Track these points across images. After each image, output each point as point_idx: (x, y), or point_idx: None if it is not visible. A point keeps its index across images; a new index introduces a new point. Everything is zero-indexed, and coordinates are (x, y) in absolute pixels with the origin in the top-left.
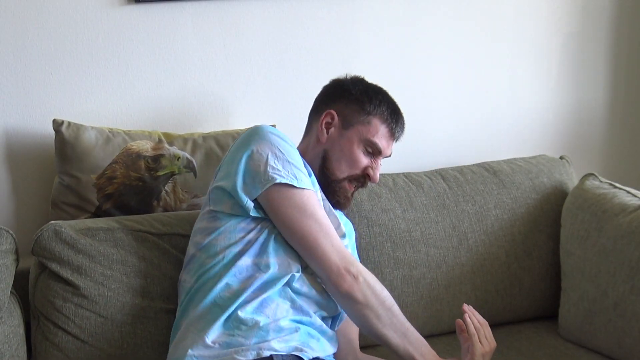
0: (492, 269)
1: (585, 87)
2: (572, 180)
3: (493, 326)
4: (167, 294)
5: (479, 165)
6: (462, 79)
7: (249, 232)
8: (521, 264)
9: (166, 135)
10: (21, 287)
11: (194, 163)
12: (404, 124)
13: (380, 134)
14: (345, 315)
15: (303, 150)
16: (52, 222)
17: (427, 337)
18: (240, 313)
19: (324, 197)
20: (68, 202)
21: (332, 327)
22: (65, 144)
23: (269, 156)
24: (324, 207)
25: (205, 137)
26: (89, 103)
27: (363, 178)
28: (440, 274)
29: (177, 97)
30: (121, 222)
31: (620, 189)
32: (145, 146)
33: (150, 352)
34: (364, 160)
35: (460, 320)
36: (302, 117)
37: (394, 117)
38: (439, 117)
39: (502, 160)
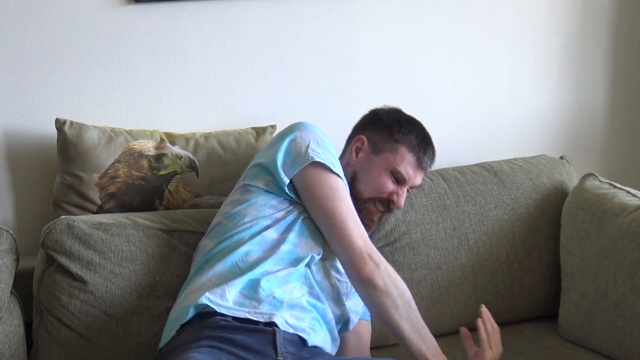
0: (493, 269)
1: (585, 87)
2: (572, 181)
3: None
4: (174, 292)
5: (479, 165)
6: (462, 79)
7: (279, 211)
8: (522, 264)
9: (168, 134)
10: (21, 287)
11: (196, 162)
12: (433, 154)
13: (406, 162)
14: (352, 325)
15: None
16: (64, 216)
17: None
18: (263, 281)
19: None
20: (70, 202)
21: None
22: (68, 143)
23: (311, 141)
24: None
25: (207, 136)
26: (89, 103)
27: (388, 203)
28: (441, 275)
29: (177, 96)
30: (132, 218)
31: (620, 189)
32: (147, 145)
33: (153, 352)
34: (390, 186)
35: (465, 328)
36: (302, 117)
37: (422, 146)
38: (439, 117)
39: (503, 161)
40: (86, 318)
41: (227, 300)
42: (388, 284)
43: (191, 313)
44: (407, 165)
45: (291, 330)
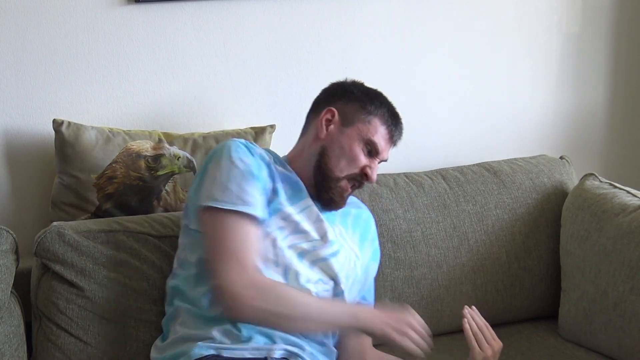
0: (493, 269)
1: (585, 87)
2: (572, 181)
3: (493, 326)
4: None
5: (479, 165)
6: (462, 79)
7: None
8: (521, 264)
9: (166, 135)
10: (21, 287)
11: (194, 163)
12: (402, 129)
13: (379, 134)
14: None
15: (298, 151)
16: (55, 223)
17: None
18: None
19: (311, 204)
20: (68, 202)
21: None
22: (65, 143)
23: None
24: (311, 214)
25: (206, 136)
26: (89, 103)
27: (360, 177)
28: (441, 274)
29: (177, 97)
30: (122, 223)
31: (620, 189)
32: (145, 146)
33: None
34: (363, 159)
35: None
36: (302, 117)
37: (393, 120)
38: (439, 117)
39: (503, 160)
40: (84, 323)
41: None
42: (257, 313)
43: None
44: (380, 137)
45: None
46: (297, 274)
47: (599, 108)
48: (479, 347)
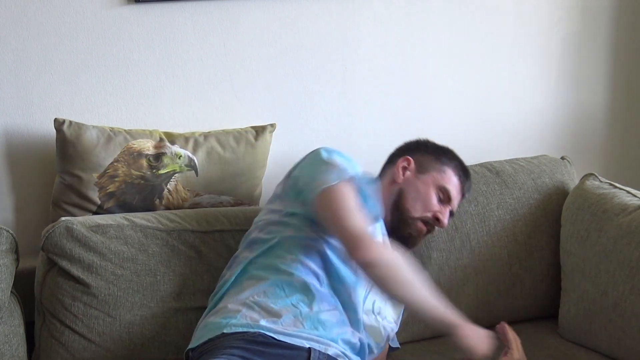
0: (494, 269)
1: (585, 87)
2: (573, 181)
3: (494, 326)
4: (177, 292)
5: (481, 165)
6: (462, 79)
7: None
8: (523, 265)
9: (167, 134)
10: (21, 287)
11: (196, 161)
12: (471, 185)
13: (452, 183)
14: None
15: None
16: (63, 218)
17: (429, 339)
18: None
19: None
20: (69, 202)
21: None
22: (67, 143)
23: None
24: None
25: (207, 135)
26: (89, 103)
27: (432, 222)
28: (443, 276)
29: (177, 96)
30: (129, 219)
31: (620, 189)
32: (146, 144)
33: (156, 353)
34: (436, 205)
35: (504, 323)
36: (301, 117)
37: (464, 173)
38: (440, 117)
39: (505, 161)
40: (89, 320)
41: (281, 327)
42: (383, 257)
43: (240, 329)
44: (452, 186)
45: (325, 351)
46: (373, 311)
47: (599, 108)
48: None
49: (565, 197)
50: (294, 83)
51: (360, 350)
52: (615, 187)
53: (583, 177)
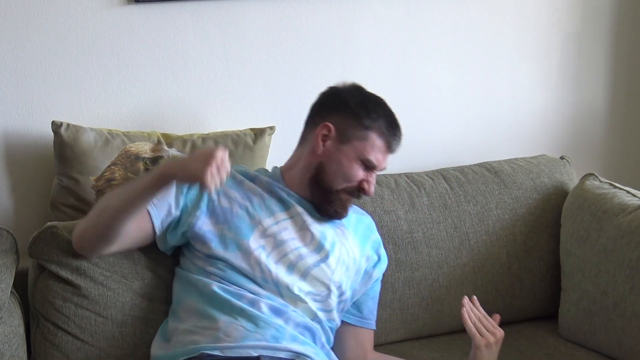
0: (493, 269)
1: (585, 87)
2: (572, 181)
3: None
4: (165, 294)
5: (480, 165)
6: (462, 79)
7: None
8: (522, 264)
9: (165, 136)
10: (21, 287)
11: None
12: (400, 136)
13: (376, 148)
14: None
15: (294, 160)
16: (49, 224)
17: (428, 337)
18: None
19: (297, 213)
20: (67, 204)
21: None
22: (64, 145)
23: None
24: (295, 223)
25: (205, 138)
26: (89, 104)
27: (357, 191)
28: (442, 275)
29: (176, 97)
30: None
31: (620, 189)
32: (144, 148)
33: (149, 352)
34: (360, 174)
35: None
36: (301, 118)
37: (391, 130)
38: (440, 117)
39: (504, 160)
40: (81, 321)
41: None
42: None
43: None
44: (377, 151)
45: (275, 355)
46: (288, 287)
47: (599, 108)
48: (480, 334)
49: (564, 197)
50: (294, 84)
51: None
52: (615, 187)
53: (583, 177)
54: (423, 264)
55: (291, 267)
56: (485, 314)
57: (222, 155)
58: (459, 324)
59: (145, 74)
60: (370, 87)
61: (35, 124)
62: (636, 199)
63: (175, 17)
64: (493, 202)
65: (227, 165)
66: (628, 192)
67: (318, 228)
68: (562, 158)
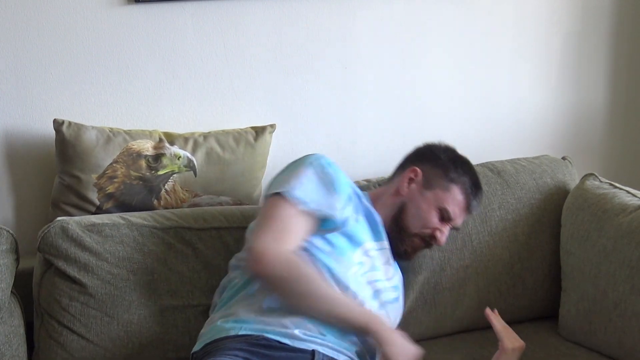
0: (496, 270)
1: (585, 87)
2: (574, 181)
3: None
4: (174, 290)
5: (482, 165)
6: (462, 79)
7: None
8: (524, 264)
9: (167, 134)
10: (21, 287)
11: (195, 162)
12: (481, 198)
13: (456, 201)
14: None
15: (378, 195)
16: (59, 218)
17: (429, 339)
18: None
19: (387, 247)
20: (68, 202)
21: None
22: (66, 143)
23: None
24: (384, 255)
25: (206, 136)
26: (90, 102)
27: (429, 239)
28: (444, 277)
29: (177, 96)
30: (126, 218)
31: (620, 189)
32: (146, 145)
33: (155, 352)
34: (436, 222)
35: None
36: (301, 117)
37: (473, 189)
38: (440, 117)
39: (506, 160)
40: (87, 320)
41: (292, 334)
42: (275, 272)
43: (245, 332)
44: (456, 205)
45: (329, 354)
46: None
47: (599, 108)
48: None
49: (566, 197)
50: (294, 83)
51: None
52: (615, 187)
53: (583, 177)
54: (425, 266)
55: (376, 294)
56: (506, 325)
57: None
58: (460, 326)
59: (145, 73)
60: (371, 87)
61: (36, 122)
62: (636, 199)
63: (175, 17)
64: (496, 202)
65: None
66: (628, 192)
67: (396, 267)
68: (564, 158)
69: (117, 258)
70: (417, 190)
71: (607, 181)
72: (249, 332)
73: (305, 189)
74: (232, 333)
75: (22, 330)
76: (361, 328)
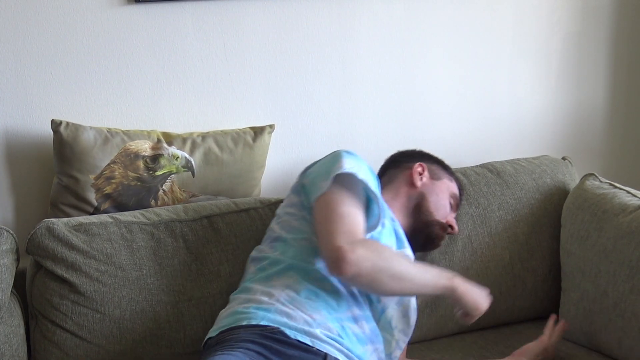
0: (496, 270)
1: (585, 87)
2: (574, 181)
3: (495, 327)
4: (165, 285)
5: (482, 166)
6: (462, 79)
7: None
8: (524, 265)
9: (165, 134)
10: (21, 287)
11: (193, 163)
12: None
13: (457, 192)
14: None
15: (390, 198)
16: (46, 219)
17: (430, 341)
18: (346, 327)
19: (410, 254)
20: (67, 203)
21: None
22: (64, 144)
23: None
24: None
25: (204, 136)
26: (88, 103)
27: (445, 229)
28: None
29: (176, 96)
30: (114, 216)
31: (620, 189)
32: (143, 146)
33: (149, 348)
34: (449, 211)
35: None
36: (301, 117)
37: (461, 191)
38: (440, 117)
39: (506, 161)
40: (79, 318)
41: (313, 333)
42: (363, 266)
43: (264, 322)
44: (457, 195)
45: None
46: (390, 320)
47: (599, 108)
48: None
49: (566, 197)
50: (294, 83)
51: None
52: (615, 187)
53: (583, 177)
54: None
55: (400, 300)
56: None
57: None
58: (461, 329)
59: (144, 73)
60: (371, 87)
61: (34, 123)
62: (636, 199)
63: (175, 17)
64: (495, 203)
65: None
66: (628, 192)
67: None
68: (563, 159)
69: (104, 255)
70: (429, 182)
71: (607, 181)
72: (267, 323)
73: (359, 170)
74: (249, 322)
75: (22, 330)
76: (446, 288)
